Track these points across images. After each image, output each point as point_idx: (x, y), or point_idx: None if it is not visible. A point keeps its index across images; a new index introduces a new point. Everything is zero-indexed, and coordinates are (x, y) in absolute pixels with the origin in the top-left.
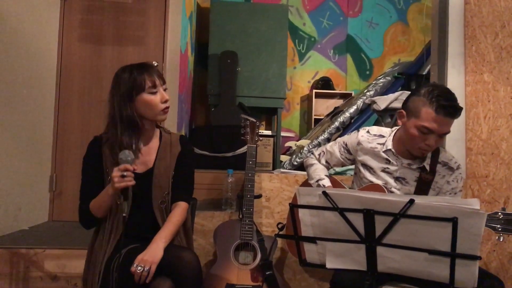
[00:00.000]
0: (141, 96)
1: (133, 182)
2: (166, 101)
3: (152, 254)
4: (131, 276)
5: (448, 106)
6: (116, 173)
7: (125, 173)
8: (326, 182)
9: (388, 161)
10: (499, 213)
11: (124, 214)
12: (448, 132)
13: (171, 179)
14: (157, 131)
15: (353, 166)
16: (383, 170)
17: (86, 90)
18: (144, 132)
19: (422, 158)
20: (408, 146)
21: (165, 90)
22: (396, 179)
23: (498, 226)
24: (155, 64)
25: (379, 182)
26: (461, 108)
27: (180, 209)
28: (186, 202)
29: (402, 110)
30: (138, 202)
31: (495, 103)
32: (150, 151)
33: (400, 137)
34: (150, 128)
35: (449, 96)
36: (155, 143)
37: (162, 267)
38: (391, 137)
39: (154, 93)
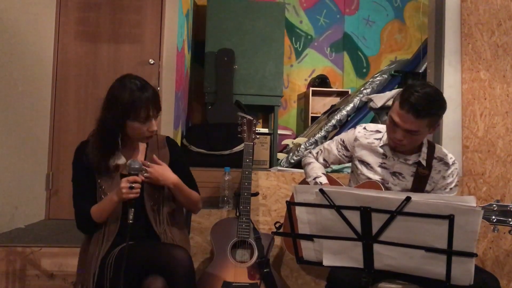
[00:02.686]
0: (132, 122)
1: (138, 194)
2: (152, 131)
3: (165, 173)
4: (124, 275)
5: (412, 103)
6: (124, 184)
7: (134, 185)
8: (323, 179)
9: (385, 156)
10: (494, 205)
11: (130, 221)
12: (413, 131)
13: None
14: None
15: (350, 164)
16: (380, 165)
17: (82, 87)
18: (128, 141)
19: (417, 153)
20: (387, 135)
21: (156, 118)
22: (393, 174)
23: (493, 217)
24: (152, 62)
25: (377, 177)
26: (429, 111)
27: (196, 193)
28: (199, 194)
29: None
30: (131, 205)
31: (491, 100)
32: (138, 153)
33: None
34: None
35: (420, 96)
36: (142, 145)
37: (154, 265)
38: None
39: (144, 123)
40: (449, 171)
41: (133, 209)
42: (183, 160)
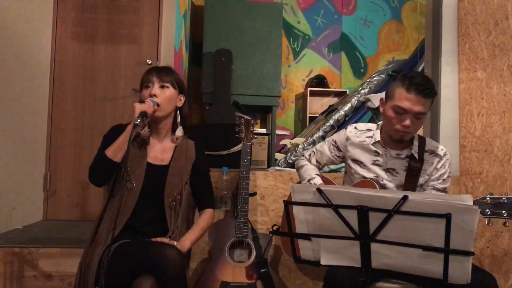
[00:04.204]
0: (143, 91)
1: (150, 109)
2: (151, 96)
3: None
4: (116, 273)
5: (418, 84)
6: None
7: (144, 100)
8: (318, 180)
9: (377, 153)
10: (487, 198)
11: (136, 122)
12: (423, 112)
13: (186, 184)
14: (174, 136)
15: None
16: (374, 163)
17: (80, 88)
18: (156, 130)
19: (409, 146)
20: (388, 130)
21: (163, 87)
22: (387, 170)
23: (487, 210)
24: (149, 63)
25: (371, 175)
26: (433, 89)
27: (209, 215)
28: (213, 208)
29: (382, 97)
30: (149, 196)
31: (488, 100)
32: (166, 150)
33: (383, 125)
34: (162, 127)
35: (421, 77)
36: (171, 143)
37: (145, 264)
38: (378, 130)
39: (147, 87)
40: (442, 162)
41: (143, 118)
42: (205, 170)
